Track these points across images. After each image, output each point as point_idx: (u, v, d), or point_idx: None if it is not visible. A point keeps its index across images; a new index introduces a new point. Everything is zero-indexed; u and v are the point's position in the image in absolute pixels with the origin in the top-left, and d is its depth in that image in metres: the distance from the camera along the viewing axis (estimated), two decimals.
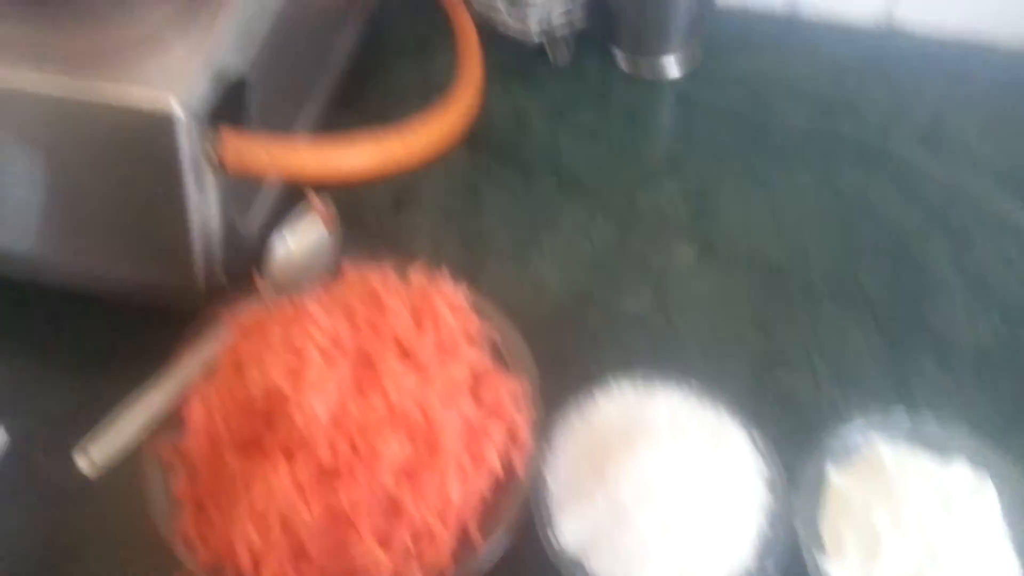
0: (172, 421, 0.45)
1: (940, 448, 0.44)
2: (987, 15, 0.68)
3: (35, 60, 0.46)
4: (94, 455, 0.45)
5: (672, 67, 0.68)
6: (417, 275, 0.49)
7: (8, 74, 0.45)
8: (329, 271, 0.51)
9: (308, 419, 0.40)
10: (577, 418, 0.45)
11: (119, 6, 0.48)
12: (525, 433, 0.44)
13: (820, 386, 0.51)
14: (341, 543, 0.40)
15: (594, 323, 0.54)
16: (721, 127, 0.65)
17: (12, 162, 0.48)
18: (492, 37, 0.70)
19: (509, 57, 0.70)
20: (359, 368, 0.43)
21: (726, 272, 0.57)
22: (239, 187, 0.51)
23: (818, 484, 0.43)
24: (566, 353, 0.52)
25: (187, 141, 0.45)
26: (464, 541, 0.41)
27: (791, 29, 0.72)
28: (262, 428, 0.42)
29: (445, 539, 0.40)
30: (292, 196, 0.55)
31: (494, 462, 0.43)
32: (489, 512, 0.42)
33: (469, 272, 0.51)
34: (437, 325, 0.45)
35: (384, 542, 0.40)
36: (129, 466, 0.45)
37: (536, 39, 0.68)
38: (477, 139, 0.63)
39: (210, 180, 0.48)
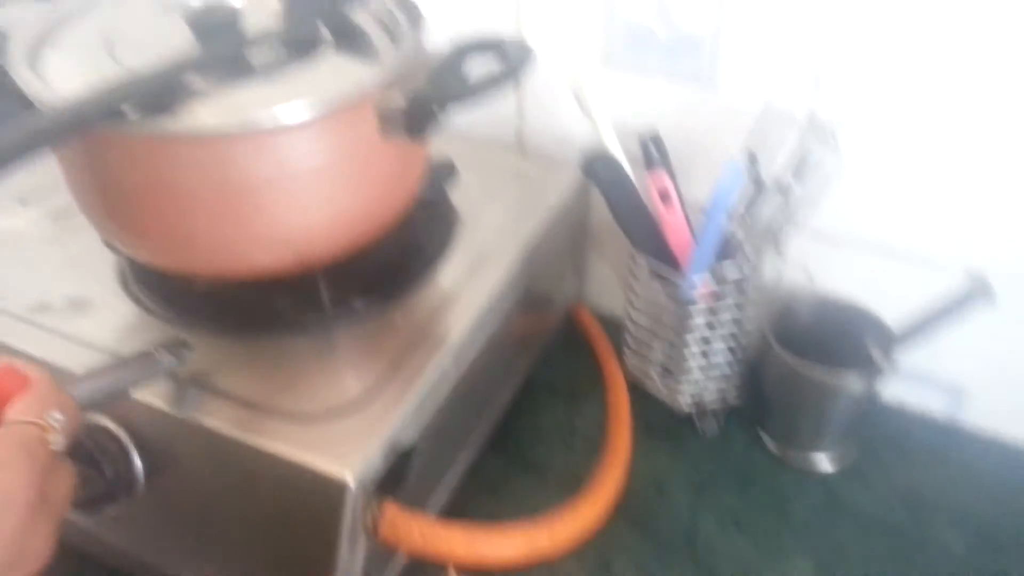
0: None
1: None
2: None
3: (241, 405, 0.49)
4: None
5: (824, 462, 0.67)
6: None
7: (212, 416, 0.49)
8: None
9: None
10: None
11: (330, 375, 0.52)
12: None
13: None
14: None
15: None
16: (873, 536, 0.62)
17: (184, 487, 0.50)
18: (642, 394, 0.71)
19: (656, 417, 0.70)
20: None
21: None
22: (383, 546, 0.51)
23: None
24: None
25: (351, 508, 0.46)
26: None
27: (951, 439, 0.69)
28: None
29: None
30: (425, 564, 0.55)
31: None
32: None
33: None
34: None
35: None
36: None
37: (686, 409, 0.69)
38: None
39: (362, 542, 0.48)
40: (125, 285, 0.58)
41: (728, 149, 0.64)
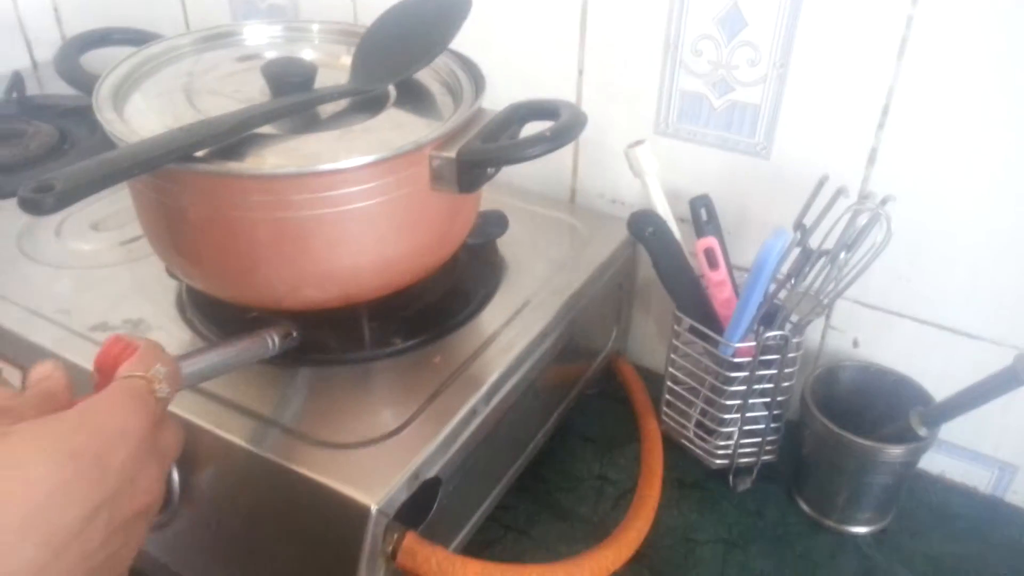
0: None
1: None
2: None
3: (279, 429, 0.52)
4: None
5: (859, 528, 0.65)
6: None
7: (250, 439, 0.51)
8: None
9: None
10: None
11: (366, 407, 0.54)
12: None
13: None
14: None
15: None
16: None
17: (216, 503, 0.53)
18: (676, 449, 0.71)
19: (690, 472, 0.70)
20: None
21: None
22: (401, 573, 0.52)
23: None
24: None
25: (373, 534, 0.47)
26: None
27: (995, 513, 0.68)
28: None
29: None
30: None
31: None
32: None
33: None
34: None
35: None
36: None
37: (720, 466, 0.69)
38: (641, 550, 0.61)
39: (381, 566, 0.49)
40: (182, 311, 0.62)
41: (779, 216, 0.65)
